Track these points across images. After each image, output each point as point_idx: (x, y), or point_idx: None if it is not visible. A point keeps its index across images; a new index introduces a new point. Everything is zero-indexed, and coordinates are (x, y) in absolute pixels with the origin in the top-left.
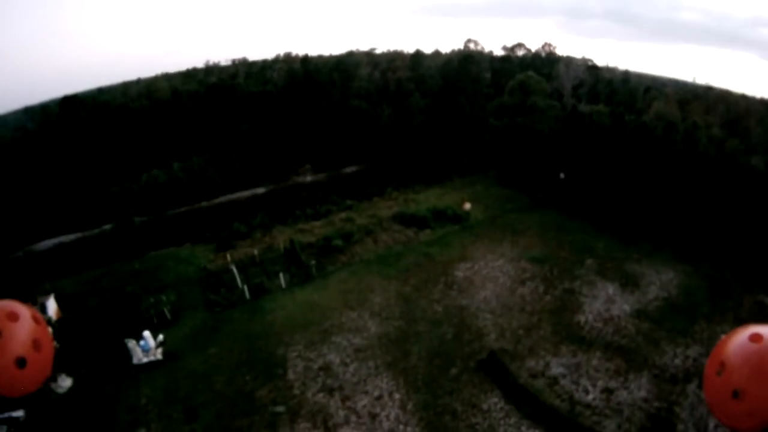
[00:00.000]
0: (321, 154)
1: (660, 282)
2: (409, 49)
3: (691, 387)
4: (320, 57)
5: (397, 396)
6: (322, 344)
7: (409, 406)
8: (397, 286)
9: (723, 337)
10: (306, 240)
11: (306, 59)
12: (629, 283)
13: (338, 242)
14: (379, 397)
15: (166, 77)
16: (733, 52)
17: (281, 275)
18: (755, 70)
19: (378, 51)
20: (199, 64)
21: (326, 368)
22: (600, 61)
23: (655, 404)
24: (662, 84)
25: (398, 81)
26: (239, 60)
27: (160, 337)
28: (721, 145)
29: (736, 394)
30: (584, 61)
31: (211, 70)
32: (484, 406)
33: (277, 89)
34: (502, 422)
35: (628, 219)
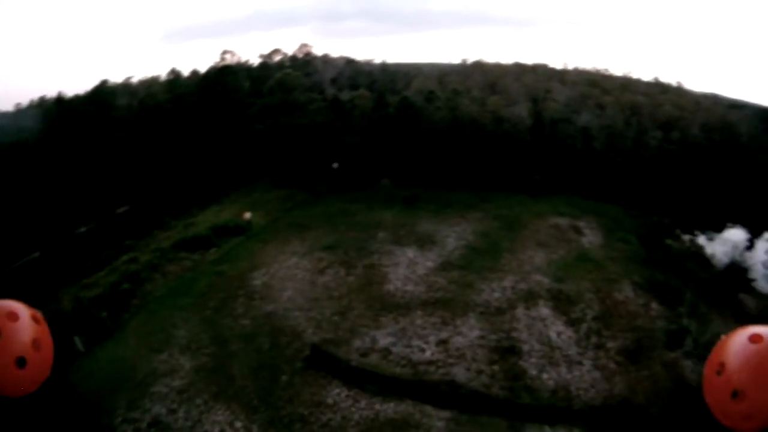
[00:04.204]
0: (89, 199)
1: (455, 233)
2: (168, 73)
3: (520, 311)
4: (76, 96)
5: (238, 424)
6: (142, 399)
7: (255, 429)
8: (197, 312)
9: (723, 337)
10: (94, 293)
11: (60, 99)
12: (426, 242)
13: (126, 286)
14: None
15: None
16: (484, 29)
17: (76, 340)
18: (507, 42)
19: (134, 80)
20: None
21: (156, 422)
22: (359, 58)
23: (493, 337)
24: (421, 69)
25: (158, 105)
26: None
27: None
28: (483, 103)
29: (735, 395)
30: (342, 58)
31: None
32: (330, 401)
33: (33, 137)
34: (353, 409)
35: (410, 186)
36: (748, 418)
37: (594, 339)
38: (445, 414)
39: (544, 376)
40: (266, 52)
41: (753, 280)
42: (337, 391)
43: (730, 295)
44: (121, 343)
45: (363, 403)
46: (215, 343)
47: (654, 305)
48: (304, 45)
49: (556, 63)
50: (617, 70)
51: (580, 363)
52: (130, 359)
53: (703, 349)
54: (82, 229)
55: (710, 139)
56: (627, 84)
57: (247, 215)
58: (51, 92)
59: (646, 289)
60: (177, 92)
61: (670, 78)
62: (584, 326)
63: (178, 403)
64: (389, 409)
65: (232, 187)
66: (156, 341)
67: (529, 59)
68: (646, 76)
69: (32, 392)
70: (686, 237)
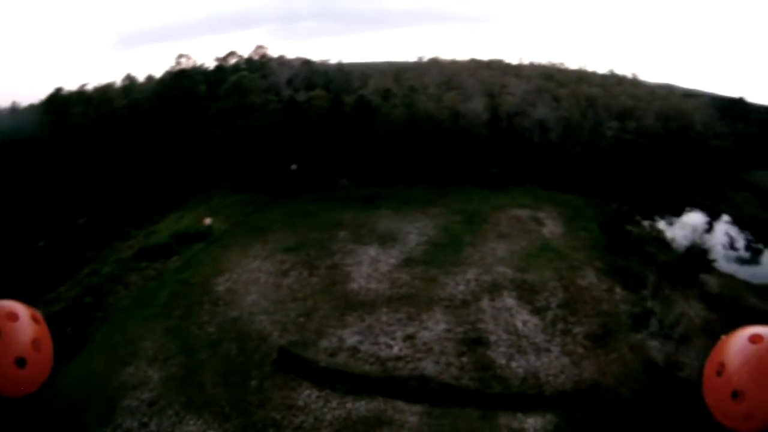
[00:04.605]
0: (47, 212)
1: (416, 230)
2: (123, 79)
3: (485, 302)
4: (31, 105)
5: None
6: (113, 414)
7: None
8: (162, 322)
9: (723, 337)
10: (57, 308)
11: (14, 109)
12: (388, 239)
13: (89, 299)
14: None
15: None
16: (439, 27)
17: None
18: (463, 39)
19: (89, 86)
20: None
21: None
22: (315, 58)
23: (460, 329)
24: (378, 68)
25: (113, 112)
26: None
27: None
28: (439, 99)
29: (735, 395)
30: (298, 59)
31: None
32: (301, 403)
33: None
34: (325, 409)
35: (369, 185)
36: (748, 418)
37: (560, 326)
38: (417, 408)
39: (513, 364)
40: (222, 55)
41: (713, 260)
42: (307, 392)
43: (692, 276)
44: (88, 358)
45: (334, 403)
46: (182, 352)
47: (617, 290)
48: (260, 47)
49: (512, 58)
50: (572, 63)
51: (548, 350)
52: (98, 374)
53: (669, 329)
54: (41, 243)
55: (666, 127)
56: (582, 76)
57: (208, 221)
58: (4, 102)
59: (609, 274)
60: (133, 98)
61: (625, 70)
62: (550, 314)
63: (149, 416)
64: (361, 407)
65: (191, 192)
66: (123, 354)
67: (484, 55)
68: (601, 69)
69: (32, 392)
70: (646, 223)
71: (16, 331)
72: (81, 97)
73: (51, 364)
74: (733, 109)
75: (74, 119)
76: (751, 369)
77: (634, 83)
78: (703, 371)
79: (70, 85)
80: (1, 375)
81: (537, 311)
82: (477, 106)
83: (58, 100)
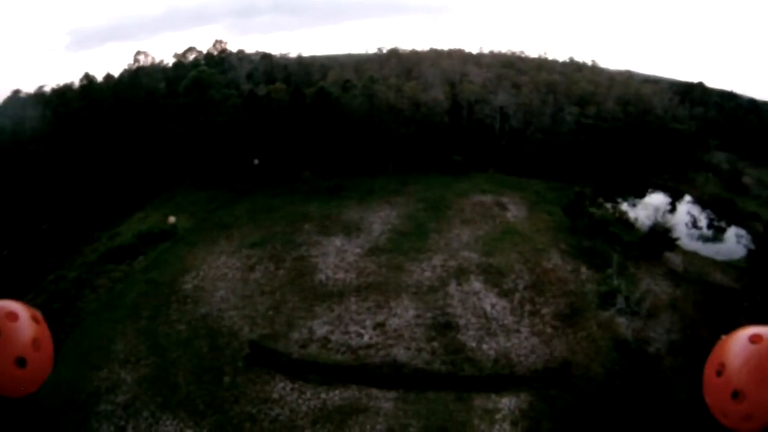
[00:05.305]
0: (7, 219)
1: (381, 219)
2: (81, 79)
3: (452, 287)
4: None
5: None
6: (89, 420)
7: None
8: (132, 324)
9: (723, 337)
10: None
11: None
12: (352, 230)
13: (57, 305)
14: None
15: None
16: (399, 18)
17: None
18: (423, 29)
19: (47, 88)
20: None
21: None
22: (274, 52)
23: (429, 315)
24: (338, 60)
25: (72, 113)
26: None
27: None
28: (399, 89)
29: (735, 395)
30: (257, 53)
31: None
32: (276, 396)
33: None
34: (300, 401)
35: (332, 176)
36: (748, 418)
37: (528, 307)
38: (392, 395)
39: (484, 347)
40: (180, 51)
41: (677, 238)
42: (281, 385)
43: (656, 254)
44: (60, 365)
45: (309, 394)
46: (154, 353)
47: (583, 270)
48: (219, 42)
49: (472, 48)
50: (532, 51)
51: (517, 331)
52: (71, 380)
53: (636, 305)
54: (5, 252)
55: (626, 111)
56: (542, 64)
57: (172, 219)
58: None
59: (574, 255)
60: (92, 97)
61: (584, 57)
62: (517, 296)
63: (125, 419)
64: (335, 396)
65: (154, 192)
66: (94, 358)
67: (444, 45)
68: (561, 57)
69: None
70: (609, 204)
71: (16, 330)
72: (39, 99)
73: (51, 363)
74: (693, 93)
75: (31, 122)
76: (751, 369)
77: (594, 70)
78: (703, 371)
79: (27, 88)
80: (1, 375)
81: (504, 294)
82: (438, 94)
83: (16, 104)
